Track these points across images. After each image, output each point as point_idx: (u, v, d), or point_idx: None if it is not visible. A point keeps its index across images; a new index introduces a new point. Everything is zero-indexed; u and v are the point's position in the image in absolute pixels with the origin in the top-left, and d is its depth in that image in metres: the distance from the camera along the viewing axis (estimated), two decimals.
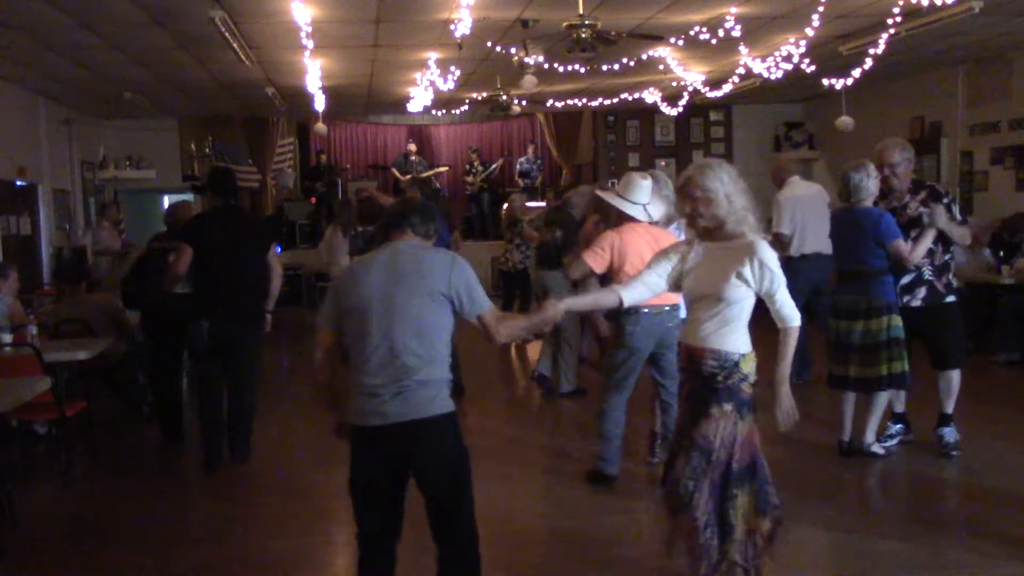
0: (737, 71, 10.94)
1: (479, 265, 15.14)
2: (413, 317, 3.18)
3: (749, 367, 3.40)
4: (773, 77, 10.46)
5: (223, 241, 6.00)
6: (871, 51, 9.20)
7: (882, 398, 5.69)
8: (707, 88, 12.03)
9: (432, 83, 10.96)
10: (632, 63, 9.92)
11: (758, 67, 10.19)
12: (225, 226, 6.10)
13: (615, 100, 13.57)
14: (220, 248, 5.97)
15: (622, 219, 5.17)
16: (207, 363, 6.11)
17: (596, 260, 5.13)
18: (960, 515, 4.97)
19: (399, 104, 13.67)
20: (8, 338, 6.08)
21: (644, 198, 5.14)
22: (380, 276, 3.24)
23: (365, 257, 3.49)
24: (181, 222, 6.59)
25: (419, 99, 12.36)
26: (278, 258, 6.43)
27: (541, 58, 8.59)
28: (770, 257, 3.34)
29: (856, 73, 10.57)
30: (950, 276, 5.76)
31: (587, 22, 7.11)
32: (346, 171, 16.58)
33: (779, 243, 7.36)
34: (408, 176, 13.19)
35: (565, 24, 7.21)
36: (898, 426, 6.01)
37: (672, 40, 8.96)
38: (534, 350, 9.35)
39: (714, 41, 8.89)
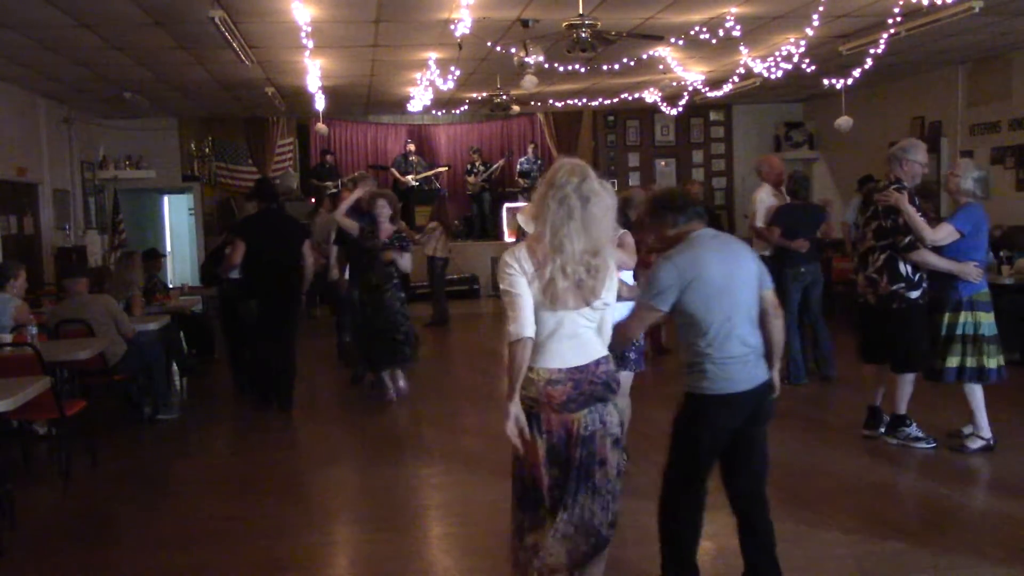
0: (737, 71, 10.94)
1: (480, 264, 15.20)
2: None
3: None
4: (773, 77, 10.46)
5: (265, 237, 7.58)
6: (871, 51, 9.20)
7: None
8: (707, 88, 12.04)
9: (432, 83, 10.96)
10: (632, 63, 9.93)
11: (758, 67, 10.19)
12: (267, 225, 7.70)
13: (615, 100, 13.58)
14: (263, 243, 7.53)
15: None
16: (256, 332, 7.62)
17: None
18: (960, 515, 4.97)
19: (399, 104, 13.69)
20: (8, 338, 6.08)
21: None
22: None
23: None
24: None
25: (419, 99, 12.37)
26: (311, 251, 7.93)
27: (541, 58, 8.59)
28: None
29: (856, 73, 10.58)
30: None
31: (587, 22, 7.11)
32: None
33: None
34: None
35: (565, 24, 7.21)
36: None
37: (672, 40, 8.97)
38: None
39: (714, 41, 8.90)
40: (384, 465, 6.11)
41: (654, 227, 3.73)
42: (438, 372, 9.34)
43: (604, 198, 3.24)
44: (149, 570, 4.50)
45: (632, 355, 5.49)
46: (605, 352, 3.31)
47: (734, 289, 3.54)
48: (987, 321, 5.81)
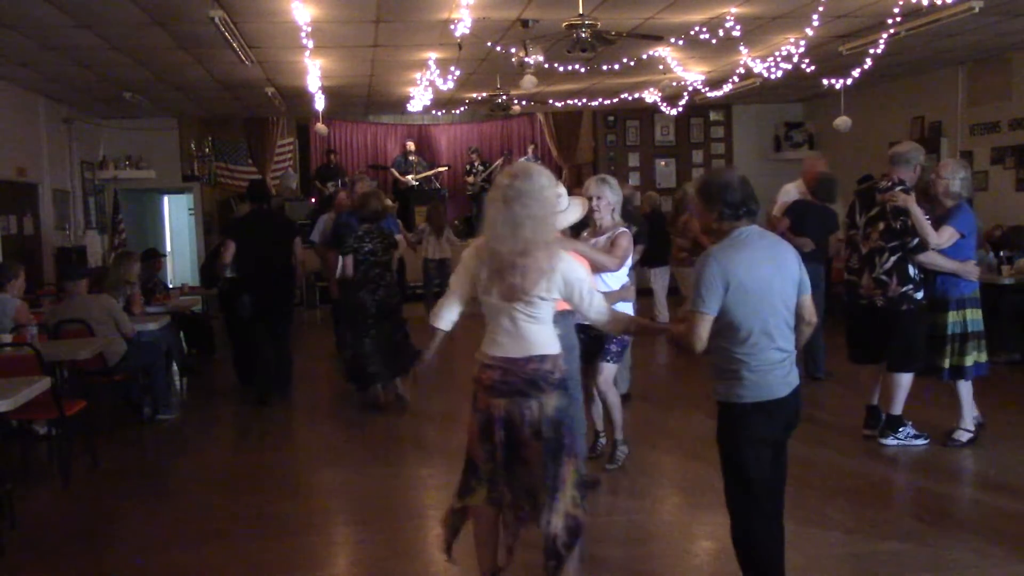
0: (737, 71, 10.94)
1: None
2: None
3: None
4: (773, 77, 10.46)
5: (256, 236, 7.89)
6: (871, 51, 9.20)
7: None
8: (707, 88, 12.03)
9: (432, 83, 10.96)
10: (632, 63, 9.92)
11: (758, 67, 10.19)
12: (258, 225, 8.04)
13: (615, 100, 13.58)
14: (254, 241, 7.86)
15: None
16: (253, 327, 8.00)
17: None
18: (960, 515, 4.97)
19: (399, 104, 13.68)
20: (8, 338, 6.08)
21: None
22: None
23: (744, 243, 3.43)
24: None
25: (419, 99, 12.36)
26: (303, 250, 8.34)
27: (541, 58, 8.59)
28: None
29: (856, 73, 10.57)
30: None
31: (587, 22, 7.10)
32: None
33: None
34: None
35: (565, 24, 7.21)
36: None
37: (672, 40, 8.96)
38: None
39: (714, 41, 8.89)
40: (384, 465, 6.11)
41: (701, 209, 3.47)
42: (438, 372, 9.32)
43: (533, 200, 3.35)
44: (149, 570, 4.51)
45: (614, 347, 5.42)
46: (545, 352, 3.45)
47: (775, 292, 3.36)
48: (980, 317, 5.98)
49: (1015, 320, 8.68)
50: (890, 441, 6.02)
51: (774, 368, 3.38)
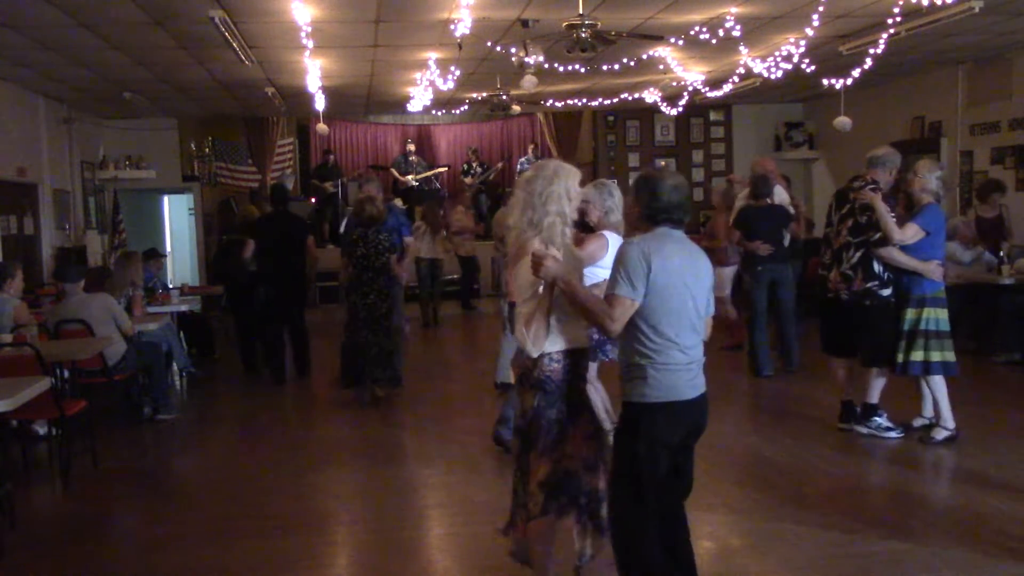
0: (737, 71, 10.94)
1: (479, 265, 15.18)
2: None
3: None
4: (773, 77, 10.45)
5: (274, 235, 8.87)
6: (871, 51, 9.20)
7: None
8: (707, 88, 12.03)
9: (432, 83, 10.95)
10: (632, 63, 9.92)
11: (758, 67, 10.18)
12: (275, 225, 9.00)
13: (615, 100, 13.57)
14: (272, 240, 8.85)
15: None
16: (268, 318, 8.92)
17: None
18: (959, 515, 4.97)
19: (399, 104, 13.67)
20: (8, 338, 6.08)
21: None
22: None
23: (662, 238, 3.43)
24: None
25: (419, 99, 12.36)
26: (314, 246, 9.22)
27: (541, 58, 8.59)
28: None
29: (856, 73, 10.57)
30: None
31: (587, 22, 7.10)
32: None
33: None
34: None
35: (565, 24, 7.21)
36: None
37: (672, 40, 8.96)
38: None
39: (714, 41, 8.89)
40: (384, 465, 6.11)
41: (631, 200, 3.54)
42: (438, 373, 9.34)
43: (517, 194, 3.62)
44: (149, 570, 4.51)
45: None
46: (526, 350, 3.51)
47: (687, 290, 3.35)
48: (944, 317, 6.00)
49: (1015, 320, 8.68)
50: (862, 429, 6.21)
51: (679, 369, 3.34)
